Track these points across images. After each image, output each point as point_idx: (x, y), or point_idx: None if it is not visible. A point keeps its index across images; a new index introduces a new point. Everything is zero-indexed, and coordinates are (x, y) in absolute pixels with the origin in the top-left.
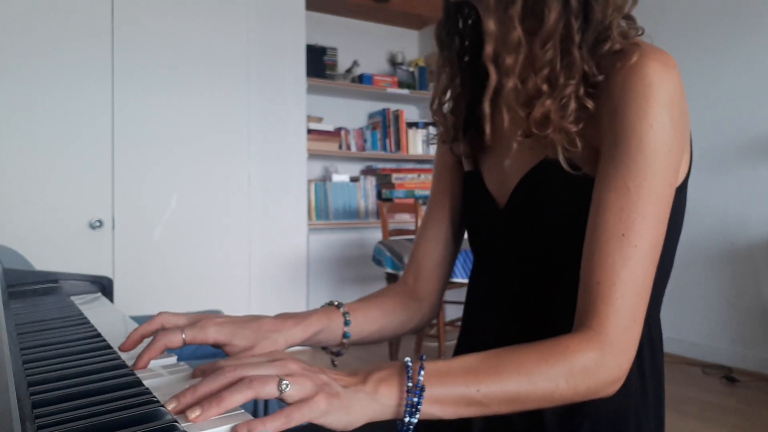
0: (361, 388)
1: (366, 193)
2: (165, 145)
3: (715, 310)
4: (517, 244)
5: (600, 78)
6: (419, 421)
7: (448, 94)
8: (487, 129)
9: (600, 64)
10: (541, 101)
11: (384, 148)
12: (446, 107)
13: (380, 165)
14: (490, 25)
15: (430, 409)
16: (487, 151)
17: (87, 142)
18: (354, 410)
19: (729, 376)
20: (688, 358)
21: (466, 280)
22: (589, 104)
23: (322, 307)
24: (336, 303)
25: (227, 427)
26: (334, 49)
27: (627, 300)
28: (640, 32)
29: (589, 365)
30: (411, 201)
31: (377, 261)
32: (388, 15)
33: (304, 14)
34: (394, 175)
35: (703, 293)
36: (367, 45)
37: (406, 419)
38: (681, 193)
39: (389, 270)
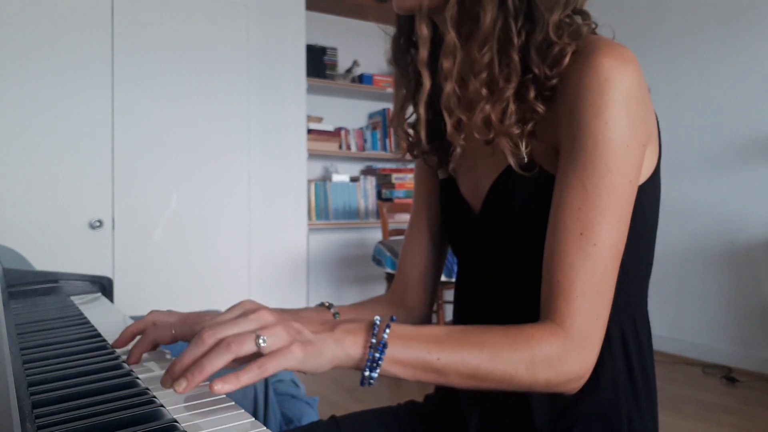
0: (329, 334)
1: (366, 193)
2: (165, 145)
3: (715, 310)
4: (494, 247)
5: (554, 81)
6: (420, 419)
7: (407, 109)
8: (422, 133)
9: (552, 64)
10: (480, 106)
11: (384, 148)
12: (409, 121)
13: (380, 165)
14: (423, 29)
15: (391, 367)
16: (458, 158)
17: (87, 142)
18: (324, 355)
19: (729, 376)
20: (688, 358)
21: None
22: (539, 108)
23: (313, 306)
24: (327, 304)
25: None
26: (334, 49)
27: (587, 298)
28: (594, 26)
29: (551, 357)
30: (411, 201)
31: (377, 261)
32: (388, 15)
33: (304, 14)
34: (394, 175)
35: (703, 293)
36: (367, 45)
37: (366, 373)
38: (651, 186)
39: (389, 270)
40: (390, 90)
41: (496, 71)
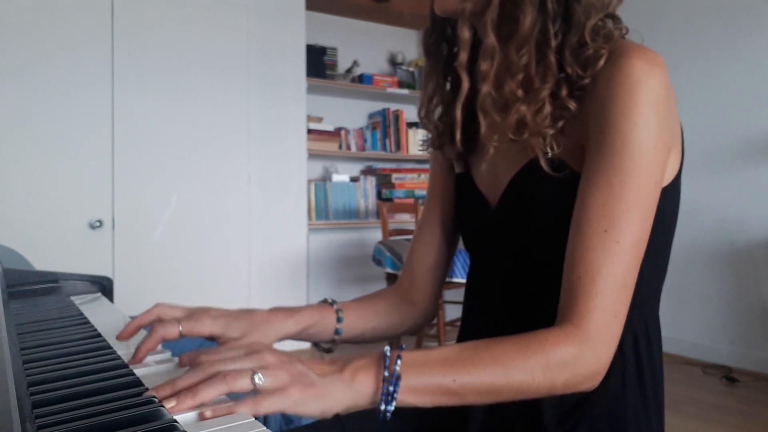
0: (338, 376)
1: (366, 193)
2: (165, 145)
3: (715, 310)
4: (510, 243)
5: (586, 81)
6: (423, 418)
7: (436, 101)
8: (458, 134)
9: (586, 65)
10: (516, 107)
11: (384, 148)
12: (435, 114)
13: (380, 165)
14: (465, 32)
15: (406, 397)
16: (477, 153)
17: (87, 142)
18: (330, 398)
19: (729, 376)
20: (688, 358)
21: (465, 280)
22: (572, 105)
23: (317, 303)
24: (330, 300)
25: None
26: (334, 49)
27: (607, 296)
28: (624, 31)
29: (566, 359)
30: (411, 201)
31: (377, 261)
32: (388, 15)
33: (304, 14)
34: (394, 175)
35: (703, 293)
36: (367, 45)
37: (382, 407)
38: (673, 190)
39: (389, 270)
40: (390, 90)
41: (533, 72)
